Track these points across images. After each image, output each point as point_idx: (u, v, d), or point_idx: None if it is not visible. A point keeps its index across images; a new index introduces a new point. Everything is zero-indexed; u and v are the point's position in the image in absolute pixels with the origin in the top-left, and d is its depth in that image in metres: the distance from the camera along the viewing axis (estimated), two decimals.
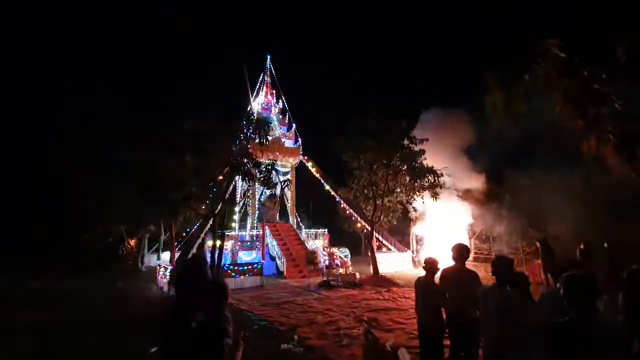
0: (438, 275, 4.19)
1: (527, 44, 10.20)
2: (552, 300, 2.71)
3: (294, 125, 19.07)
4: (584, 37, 9.59)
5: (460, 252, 4.01)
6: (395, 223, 16.32)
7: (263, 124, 10.11)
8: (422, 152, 13.63)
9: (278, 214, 19.16)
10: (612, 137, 9.13)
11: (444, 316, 4.01)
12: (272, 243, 16.19)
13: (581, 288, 1.97)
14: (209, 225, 13.58)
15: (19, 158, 16.93)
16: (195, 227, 16.97)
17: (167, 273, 11.38)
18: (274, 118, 18.43)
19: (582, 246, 9.56)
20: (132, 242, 18.47)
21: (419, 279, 4.35)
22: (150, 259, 19.08)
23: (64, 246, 17.78)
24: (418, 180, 13.65)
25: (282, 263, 15.04)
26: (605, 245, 9.39)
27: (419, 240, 17.71)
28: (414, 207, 14.76)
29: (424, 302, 4.14)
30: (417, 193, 13.87)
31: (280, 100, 19.63)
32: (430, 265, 4.21)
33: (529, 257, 13.40)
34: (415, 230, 17.90)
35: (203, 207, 10.21)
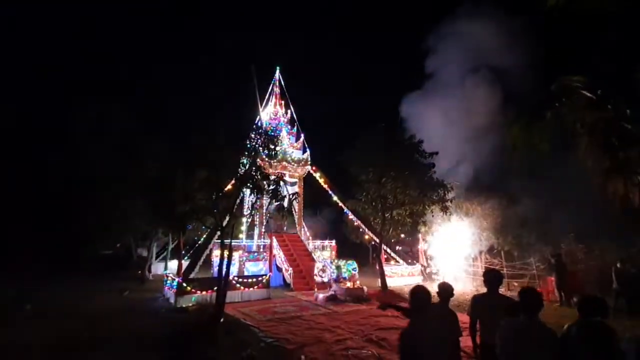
0: (453, 301, 4.07)
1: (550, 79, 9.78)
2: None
3: (302, 135, 19.03)
4: (610, 72, 8.88)
5: (491, 278, 3.90)
6: (403, 236, 16.09)
7: (272, 138, 10.07)
8: (432, 165, 13.49)
9: (286, 225, 19.06)
10: None
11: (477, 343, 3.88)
12: (279, 254, 16.08)
13: None
14: (216, 236, 13.55)
15: (30, 169, 17.25)
16: (203, 237, 16.96)
17: (174, 284, 11.30)
18: (283, 129, 18.45)
19: (618, 265, 9.21)
20: (141, 251, 18.56)
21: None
22: (158, 267, 19.11)
23: (72, 253, 17.93)
24: (427, 194, 13.48)
25: (289, 275, 14.92)
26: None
27: (428, 257, 17.38)
28: (423, 221, 14.54)
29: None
30: (427, 207, 13.69)
31: (289, 110, 19.68)
32: (445, 292, 4.07)
33: (542, 274, 13.07)
34: (425, 243, 17.62)
35: (211, 219, 10.16)
